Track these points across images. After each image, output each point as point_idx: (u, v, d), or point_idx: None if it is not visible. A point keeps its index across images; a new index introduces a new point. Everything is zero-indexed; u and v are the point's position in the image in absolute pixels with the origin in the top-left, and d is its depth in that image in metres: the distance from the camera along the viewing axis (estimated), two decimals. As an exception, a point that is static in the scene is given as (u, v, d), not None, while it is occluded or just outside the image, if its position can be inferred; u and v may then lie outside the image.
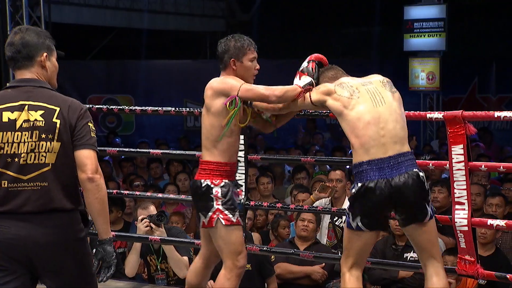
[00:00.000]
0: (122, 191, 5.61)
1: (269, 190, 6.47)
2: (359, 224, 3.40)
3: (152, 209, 4.94)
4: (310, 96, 3.60)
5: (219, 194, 3.56)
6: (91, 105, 5.01)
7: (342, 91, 3.46)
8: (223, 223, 3.56)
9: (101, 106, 5.05)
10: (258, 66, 3.71)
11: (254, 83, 3.63)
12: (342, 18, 14.67)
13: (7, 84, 2.98)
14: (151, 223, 4.73)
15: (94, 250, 3.00)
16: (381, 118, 3.38)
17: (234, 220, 3.58)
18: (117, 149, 5.31)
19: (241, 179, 4.44)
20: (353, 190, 3.43)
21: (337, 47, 14.70)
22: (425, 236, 3.47)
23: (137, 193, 5.44)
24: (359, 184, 3.38)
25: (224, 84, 3.58)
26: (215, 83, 3.62)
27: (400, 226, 3.61)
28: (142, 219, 4.80)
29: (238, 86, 3.55)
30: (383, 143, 3.35)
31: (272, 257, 5.11)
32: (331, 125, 13.89)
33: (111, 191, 5.51)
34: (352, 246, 3.47)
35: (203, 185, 3.57)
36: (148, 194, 5.19)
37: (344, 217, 5.53)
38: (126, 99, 13.59)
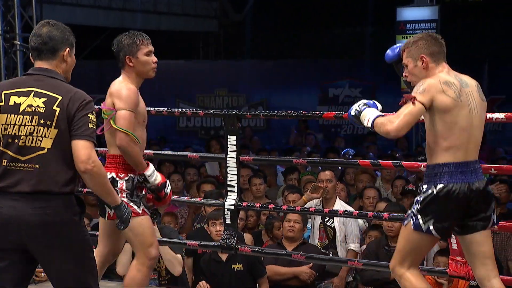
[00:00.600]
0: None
1: (261, 191, 6.47)
2: (431, 227, 3.29)
3: None
4: (415, 101, 3.24)
5: (124, 187, 3.62)
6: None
7: (449, 90, 3.27)
8: None
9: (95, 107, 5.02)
10: (155, 59, 3.73)
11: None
12: (335, 19, 14.69)
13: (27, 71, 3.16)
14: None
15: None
16: (473, 125, 3.30)
17: (140, 211, 3.63)
18: (107, 149, 5.29)
19: (233, 180, 4.45)
20: (430, 191, 3.29)
21: (329, 47, 14.72)
22: (488, 245, 3.39)
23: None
24: (439, 186, 3.27)
25: (117, 94, 3.65)
26: (113, 86, 3.72)
27: (459, 234, 3.47)
28: None
29: (122, 107, 3.59)
30: (468, 149, 3.29)
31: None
32: (324, 126, 13.93)
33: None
34: (413, 247, 3.35)
35: (108, 178, 3.51)
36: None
37: (335, 218, 5.55)
38: (118, 99, 13.55)
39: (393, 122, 3.20)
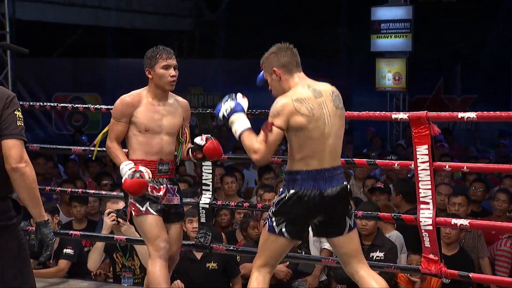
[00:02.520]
0: (88, 191, 5.58)
1: (233, 189, 6.48)
2: (283, 229, 3.43)
3: (122, 205, 4.90)
4: (272, 127, 3.37)
5: None
6: (56, 104, 4.98)
7: (302, 108, 3.35)
8: (133, 214, 3.85)
9: (66, 105, 5.02)
10: (173, 73, 3.90)
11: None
12: (309, 18, 14.72)
13: None
14: (118, 218, 4.71)
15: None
16: (326, 134, 3.38)
17: (143, 210, 3.81)
18: (83, 148, 5.28)
19: (207, 179, 4.47)
20: (283, 195, 3.43)
21: (304, 47, 14.74)
22: (350, 246, 3.52)
23: (103, 192, 5.41)
24: (292, 191, 3.40)
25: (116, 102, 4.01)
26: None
27: (316, 235, 3.71)
28: (109, 213, 4.79)
29: (113, 116, 3.97)
30: (323, 157, 3.39)
31: (238, 257, 5.12)
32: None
33: (76, 190, 5.51)
34: (267, 248, 3.50)
35: None
36: (115, 193, 5.16)
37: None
38: (93, 97, 13.50)
39: (257, 152, 3.36)
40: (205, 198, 4.48)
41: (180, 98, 4.07)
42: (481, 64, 13.72)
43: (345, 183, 3.47)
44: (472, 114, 3.70)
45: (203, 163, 4.46)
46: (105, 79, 13.56)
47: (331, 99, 3.42)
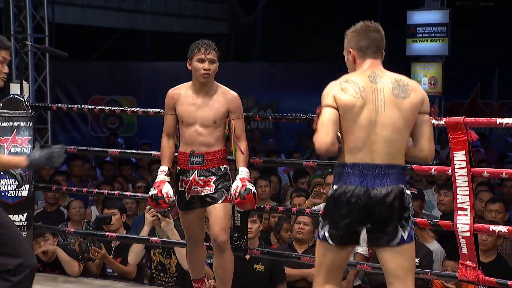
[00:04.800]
0: (124, 193, 5.62)
1: (266, 193, 6.49)
2: (326, 234, 3.04)
3: None
4: (321, 109, 3.04)
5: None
6: (94, 106, 5.03)
7: (348, 88, 3.03)
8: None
9: (103, 107, 5.06)
10: (206, 66, 3.98)
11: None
12: (344, 22, 14.66)
13: None
14: (158, 213, 4.75)
15: None
16: (378, 122, 2.99)
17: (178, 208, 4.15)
18: (119, 150, 5.32)
19: None
20: (329, 193, 3.09)
21: (339, 51, 14.69)
22: (396, 263, 3.02)
23: (139, 194, 5.45)
24: (335, 187, 3.05)
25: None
26: None
27: (370, 245, 3.26)
28: (149, 209, 4.83)
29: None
30: (373, 150, 3.01)
31: None
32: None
33: (112, 192, 5.55)
34: (321, 260, 3.10)
35: None
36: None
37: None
38: (128, 100, 13.58)
39: (315, 140, 2.99)
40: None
41: (229, 91, 4.13)
42: (519, 69, 13.55)
43: (401, 185, 3.01)
44: (510, 120, 3.65)
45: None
46: (140, 82, 13.65)
47: (391, 87, 3.04)
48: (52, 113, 9.64)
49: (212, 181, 4.01)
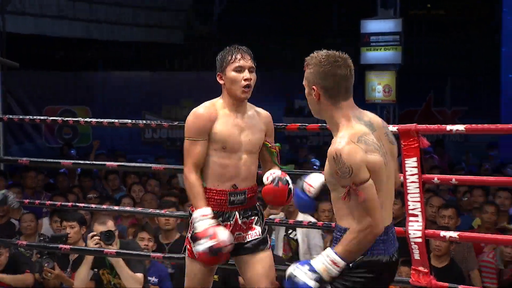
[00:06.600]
0: (78, 204, 5.56)
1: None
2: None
3: (110, 225, 4.77)
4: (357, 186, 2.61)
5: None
6: (45, 117, 4.97)
7: (368, 146, 2.65)
8: (187, 253, 3.44)
9: (56, 118, 4.99)
10: (247, 76, 3.26)
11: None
12: (299, 30, 14.77)
13: None
14: (100, 241, 4.65)
15: None
16: (389, 176, 2.74)
17: (196, 254, 3.34)
18: (72, 161, 5.27)
19: None
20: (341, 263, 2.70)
21: (295, 59, 14.78)
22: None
23: (93, 205, 5.39)
24: (359, 257, 2.71)
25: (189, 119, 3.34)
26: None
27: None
28: (92, 236, 4.67)
29: (187, 137, 3.31)
30: (389, 208, 2.80)
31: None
32: (290, 137, 13.97)
33: (66, 203, 5.48)
34: None
35: None
36: (104, 206, 5.14)
37: (298, 230, 5.56)
38: (83, 110, 13.47)
39: (368, 225, 2.59)
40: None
41: (261, 110, 3.43)
42: (471, 77, 13.79)
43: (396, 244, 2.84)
44: (460, 127, 3.71)
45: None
46: (95, 92, 13.55)
47: (385, 133, 2.82)
48: (4, 124, 9.51)
49: (254, 222, 3.34)
